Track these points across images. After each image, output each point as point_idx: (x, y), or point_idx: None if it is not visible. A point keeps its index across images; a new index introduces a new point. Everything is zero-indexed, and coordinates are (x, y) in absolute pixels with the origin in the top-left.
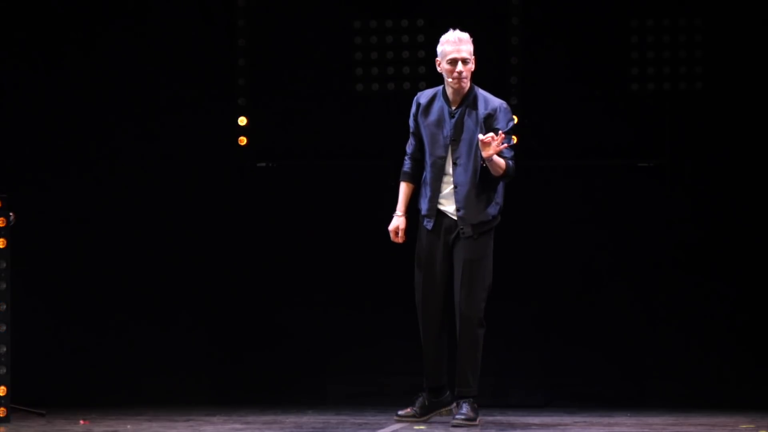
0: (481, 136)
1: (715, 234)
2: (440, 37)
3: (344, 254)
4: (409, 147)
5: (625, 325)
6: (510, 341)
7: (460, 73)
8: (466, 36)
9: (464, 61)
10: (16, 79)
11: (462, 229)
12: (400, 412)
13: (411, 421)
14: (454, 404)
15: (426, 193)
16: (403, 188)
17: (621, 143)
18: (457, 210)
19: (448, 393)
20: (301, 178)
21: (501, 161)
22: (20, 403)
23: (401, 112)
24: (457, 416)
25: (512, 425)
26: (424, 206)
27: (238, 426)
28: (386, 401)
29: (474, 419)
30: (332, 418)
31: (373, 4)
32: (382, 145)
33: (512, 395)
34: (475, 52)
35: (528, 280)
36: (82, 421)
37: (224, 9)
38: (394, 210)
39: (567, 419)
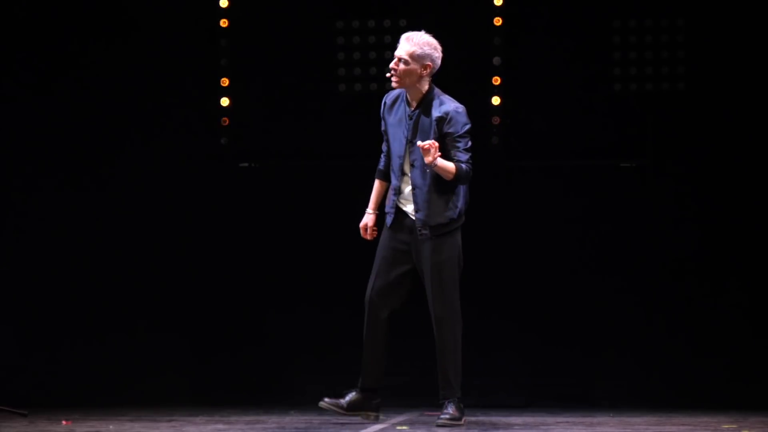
0: (419, 143)
1: (697, 234)
2: None
3: (327, 255)
4: (384, 146)
5: (608, 325)
6: (492, 341)
7: (392, 69)
8: (416, 38)
9: (399, 59)
10: None
11: (420, 230)
12: (327, 399)
13: (334, 411)
14: (443, 405)
15: (390, 190)
16: (375, 185)
17: (603, 143)
18: (416, 211)
19: (379, 400)
20: (283, 178)
21: (448, 166)
22: (2, 404)
23: None
24: (442, 416)
25: (495, 425)
26: (387, 203)
27: (220, 426)
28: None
29: (459, 419)
30: (315, 418)
31: (356, 4)
32: (364, 146)
33: (495, 395)
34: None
35: (509, 281)
36: (64, 422)
37: (207, 10)
38: (381, 211)
39: (549, 419)
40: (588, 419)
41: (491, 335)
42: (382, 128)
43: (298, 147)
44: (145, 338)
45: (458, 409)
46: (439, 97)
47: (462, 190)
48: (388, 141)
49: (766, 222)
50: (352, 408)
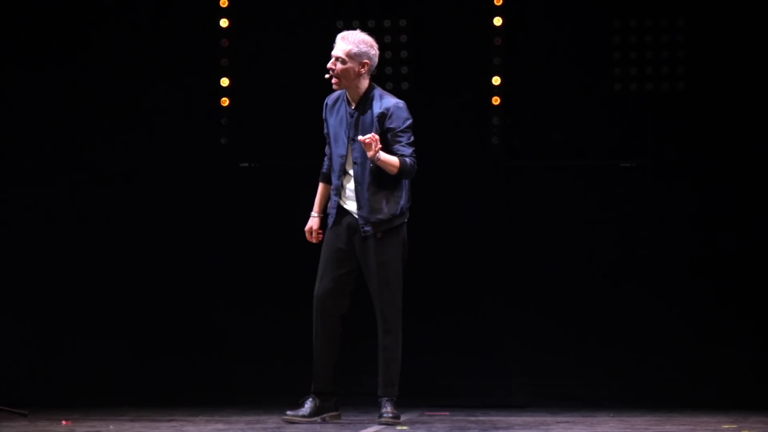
0: (360, 137)
1: (697, 234)
2: (419, 37)
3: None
4: (327, 148)
5: (608, 325)
6: (492, 341)
7: (331, 69)
8: (352, 37)
9: (336, 59)
10: None
11: (363, 227)
12: (289, 412)
13: (300, 421)
14: (381, 403)
15: (331, 191)
16: (319, 189)
17: (603, 143)
18: (358, 209)
19: (336, 398)
20: (284, 179)
21: (392, 160)
22: (2, 404)
23: None
24: (384, 414)
25: (494, 425)
26: (329, 203)
27: (220, 426)
28: (368, 401)
29: (398, 417)
30: (315, 418)
31: (356, 4)
32: None
33: (494, 395)
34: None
35: (509, 280)
36: (64, 422)
37: (207, 9)
38: None
39: (549, 419)
40: (588, 419)
41: (491, 335)
42: (325, 131)
43: (297, 147)
44: (146, 338)
45: (396, 407)
46: (379, 94)
47: (405, 186)
48: (330, 143)
49: (767, 221)
50: (313, 414)
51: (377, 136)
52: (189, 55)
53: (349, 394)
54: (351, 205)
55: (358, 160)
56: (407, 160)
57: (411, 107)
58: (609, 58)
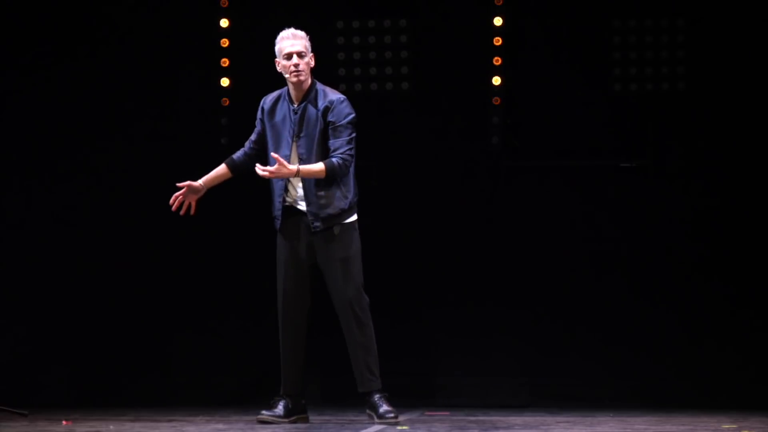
0: (259, 171)
1: (697, 234)
2: (419, 37)
3: None
4: (248, 143)
5: (608, 325)
6: (492, 341)
7: (296, 65)
8: (301, 32)
9: (299, 54)
10: None
11: (313, 223)
12: (264, 412)
13: (276, 421)
14: (375, 400)
15: (273, 194)
16: (220, 168)
17: (603, 144)
18: (307, 204)
19: (304, 401)
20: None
21: (314, 169)
22: (2, 404)
23: (384, 113)
24: (387, 415)
25: (494, 425)
26: (273, 208)
27: (220, 426)
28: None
29: (398, 415)
30: (315, 418)
31: (356, 4)
32: (363, 146)
33: (494, 395)
34: (452, 55)
35: (509, 280)
36: (64, 422)
37: (207, 9)
38: (377, 212)
39: (549, 419)
40: (588, 419)
41: (491, 335)
42: (258, 129)
43: None
44: (147, 337)
45: (390, 402)
46: (323, 89)
47: (351, 181)
48: (265, 142)
49: (767, 222)
50: (288, 414)
51: (270, 168)
52: (189, 55)
53: (349, 394)
54: (302, 205)
55: (304, 156)
56: (334, 160)
57: (411, 107)
58: (609, 58)
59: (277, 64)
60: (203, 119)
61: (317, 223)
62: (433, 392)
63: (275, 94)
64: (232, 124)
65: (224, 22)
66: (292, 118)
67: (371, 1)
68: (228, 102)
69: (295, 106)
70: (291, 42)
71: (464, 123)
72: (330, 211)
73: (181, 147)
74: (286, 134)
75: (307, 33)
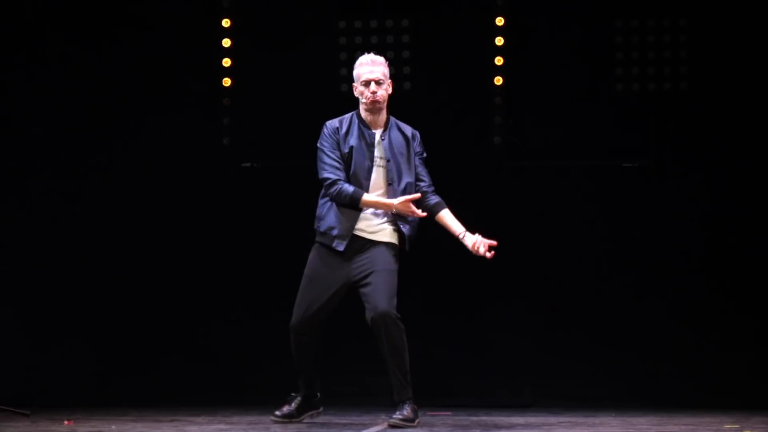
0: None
1: (700, 234)
2: (421, 37)
3: None
4: (341, 172)
5: (610, 325)
6: (494, 341)
7: (374, 93)
8: (380, 58)
9: (377, 82)
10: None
11: (406, 246)
12: (277, 412)
13: (288, 421)
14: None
15: (338, 215)
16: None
17: (606, 144)
18: (402, 226)
19: (318, 396)
20: (285, 179)
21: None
22: (5, 404)
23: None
24: (395, 416)
25: (497, 425)
26: (337, 227)
27: (222, 426)
28: (370, 401)
29: (413, 420)
30: (316, 418)
31: (358, 4)
32: None
33: (497, 395)
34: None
35: (511, 280)
36: (66, 422)
37: (209, 9)
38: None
39: (552, 419)
40: (590, 419)
41: (493, 335)
42: (337, 153)
43: (299, 147)
44: (148, 337)
45: (413, 410)
46: (394, 119)
47: None
48: (347, 166)
49: None
50: (302, 412)
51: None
52: (191, 56)
53: (350, 394)
54: (365, 228)
55: (393, 182)
56: (423, 186)
57: (413, 107)
58: (611, 58)
59: (354, 89)
60: (205, 119)
61: (407, 246)
62: (435, 392)
63: (344, 118)
64: (233, 124)
65: (226, 22)
66: (380, 144)
67: (374, 1)
68: (230, 102)
69: (376, 132)
70: (369, 69)
71: (466, 123)
72: (413, 233)
73: (182, 147)
74: (367, 162)
75: (308, 33)
